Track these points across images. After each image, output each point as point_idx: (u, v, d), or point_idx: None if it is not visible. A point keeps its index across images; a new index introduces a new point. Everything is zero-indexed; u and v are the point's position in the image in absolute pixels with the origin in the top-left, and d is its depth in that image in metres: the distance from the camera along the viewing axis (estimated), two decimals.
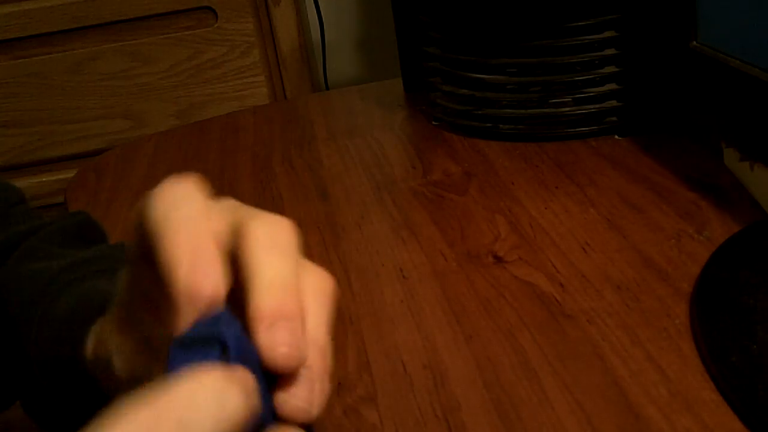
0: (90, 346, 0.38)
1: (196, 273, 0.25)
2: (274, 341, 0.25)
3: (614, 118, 0.76)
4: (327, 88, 1.35)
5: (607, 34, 0.73)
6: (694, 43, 0.59)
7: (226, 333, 0.25)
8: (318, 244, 0.65)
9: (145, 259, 0.30)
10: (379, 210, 0.69)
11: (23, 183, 1.28)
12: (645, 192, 0.65)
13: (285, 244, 0.28)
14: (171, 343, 0.25)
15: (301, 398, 0.26)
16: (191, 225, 0.26)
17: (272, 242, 0.27)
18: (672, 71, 0.74)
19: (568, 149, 0.75)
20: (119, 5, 1.20)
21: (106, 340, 0.34)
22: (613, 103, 0.75)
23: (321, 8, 1.30)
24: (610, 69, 0.74)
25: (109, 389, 0.36)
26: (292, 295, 0.26)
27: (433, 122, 0.86)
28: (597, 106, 0.75)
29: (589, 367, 0.47)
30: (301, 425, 0.26)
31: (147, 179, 0.85)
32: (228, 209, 0.29)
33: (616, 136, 0.76)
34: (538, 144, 0.77)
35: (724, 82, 0.65)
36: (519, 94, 0.78)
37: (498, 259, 0.59)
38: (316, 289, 0.28)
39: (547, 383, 0.46)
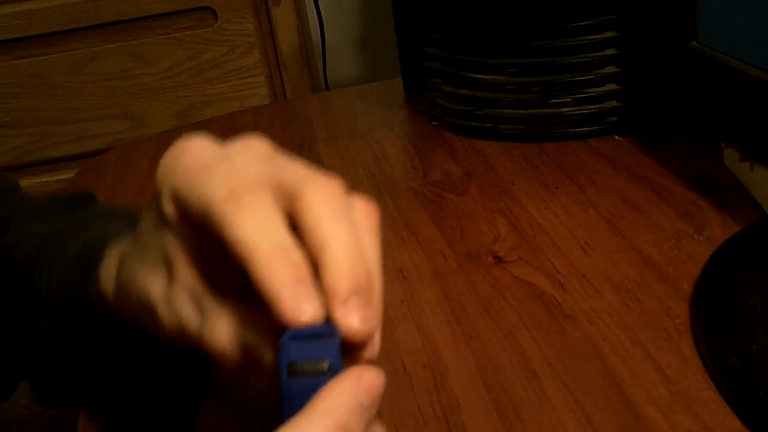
0: (108, 283, 0.38)
1: (299, 307, 0.28)
2: (350, 318, 0.28)
3: (614, 118, 0.76)
4: (327, 88, 1.35)
5: (607, 34, 0.73)
6: (694, 43, 0.59)
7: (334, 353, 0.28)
8: None
9: (193, 229, 0.32)
10: (379, 210, 0.69)
11: (23, 183, 1.25)
12: (645, 192, 0.65)
13: (342, 208, 0.30)
14: (282, 346, 0.28)
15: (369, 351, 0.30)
16: (288, 258, 0.29)
17: (332, 211, 0.30)
18: (672, 71, 0.74)
19: (568, 149, 0.75)
20: (119, 5, 1.20)
21: (143, 288, 0.34)
22: (613, 103, 0.75)
23: (321, 8, 1.30)
24: (610, 69, 0.74)
25: (145, 326, 0.36)
26: (361, 266, 0.29)
27: (433, 122, 0.86)
28: (597, 106, 0.75)
29: (589, 367, 0.47)
30: None
31: (147, 179, 0.85)
32: (272, 165, 0.31)
33: (616, 136, 0.76)
34: (538, 144, 0.77)
35: (724, 82, 0.64)
36: (519, 94, 0.78)
37: (498, 259, 0.59)
38: (366, 225, 0.32)
39: (547, 383, 0.46)
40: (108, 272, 0.38)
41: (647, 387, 0.45)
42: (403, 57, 0.93)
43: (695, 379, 0.45)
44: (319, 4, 1.30)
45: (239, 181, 0.30)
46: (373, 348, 0.30)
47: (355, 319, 0.28)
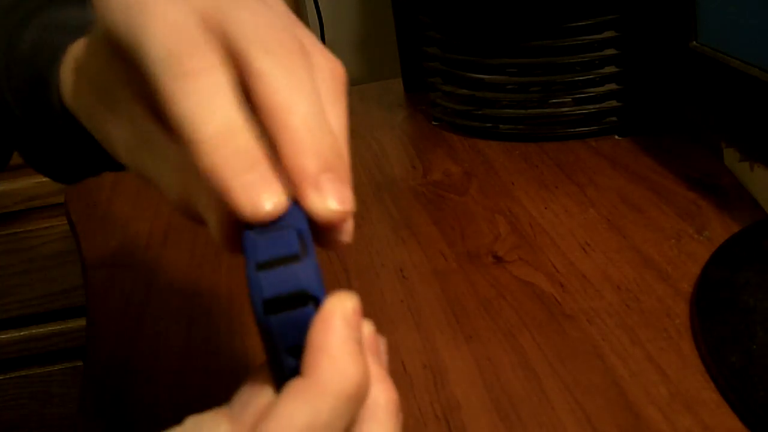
0: (67, 84, 0.34)
1: (256, 198, 0.24)
2: (325, 200, 0.25)
3: (614, 118, 0.76)
4: None
5: (607, 34, 0.73)
6: (694, 43, 0.59)
7: (299, 225, 0.25)
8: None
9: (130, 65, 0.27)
10: (379, 210, 0.69)
11: (23, 183, 1.28)
12: (645, 192, 0.65)
13: (299, 73, 0.26)
14: (245, 231, 0.25)
15: (345, 234, 0.27)
16: (237, 141, 0.25)
17: (287, 79, 0.26)
18: (672, 71, 0.74)
19: (568, 149, 0.75)
20: None
21: (102, 130, 0.31)
22: (613, 103, 0.75)
23: (321, 8, 1.30)
24: (610, 69, 0.74)
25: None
26: (327, 141, 0.26)
27: (433, 122, 0.86)
28: (597, 106, 0.75)
29: (589, 367, 0.47)
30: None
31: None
32: (218, 7, 0.27)
33: (616, 136, 0.76)
34: (538, 144, 0.77)
35: (724, 82, 0.65)
36: (519, 94, 0.78)
37: (498, 259, 0.59)
38: (330, 89, 0.28)
39: (547, 383, 0.46)
40: (66, 77, 0.34)
41: (647, 387, 0.45)
42: (403, 57, 0.94)
43: (695, 379, 0.45)
44: (319, 4, 1.30)
45: (180, 31, 0.25)
46: (348, 231, 0.27)
47: (331, 200, 0.25)
